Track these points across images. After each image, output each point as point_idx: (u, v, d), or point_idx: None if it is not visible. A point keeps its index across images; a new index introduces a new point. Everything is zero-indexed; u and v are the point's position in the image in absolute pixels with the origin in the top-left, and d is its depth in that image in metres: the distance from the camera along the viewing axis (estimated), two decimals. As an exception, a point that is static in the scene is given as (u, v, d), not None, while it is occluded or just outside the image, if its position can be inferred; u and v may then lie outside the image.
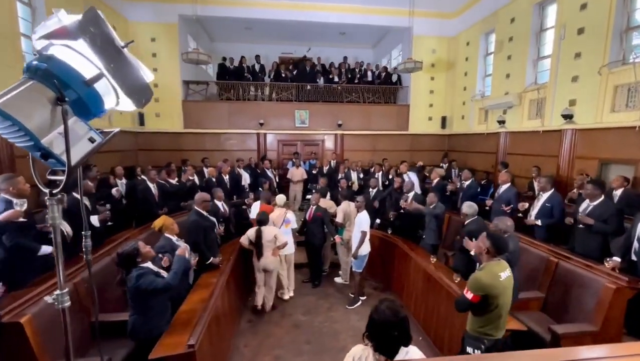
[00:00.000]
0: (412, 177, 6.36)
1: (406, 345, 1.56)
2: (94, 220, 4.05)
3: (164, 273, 2.69)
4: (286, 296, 4.84)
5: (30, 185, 3.61)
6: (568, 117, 5.90)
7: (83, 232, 1.72)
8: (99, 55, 1.54)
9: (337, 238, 5.04)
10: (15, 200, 3.06)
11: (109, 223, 4.48)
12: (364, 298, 4.83)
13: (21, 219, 3.01)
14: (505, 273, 2.29)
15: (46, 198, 1.56)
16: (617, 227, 3.67)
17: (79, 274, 3.05)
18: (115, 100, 1.68)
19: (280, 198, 5.10)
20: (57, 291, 1.63)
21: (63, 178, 1.58)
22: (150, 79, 1.76)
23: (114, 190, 5.08)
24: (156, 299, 2.55)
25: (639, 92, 4.87)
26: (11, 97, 1.38)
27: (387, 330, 1.52)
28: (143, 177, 5.67)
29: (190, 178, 6.16)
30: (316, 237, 5.06)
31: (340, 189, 5.74)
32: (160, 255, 2.96)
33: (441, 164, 8.92)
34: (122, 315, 2.97)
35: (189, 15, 8.92)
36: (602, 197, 3.74)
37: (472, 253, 3.24)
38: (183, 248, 2.86)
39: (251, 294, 4.74)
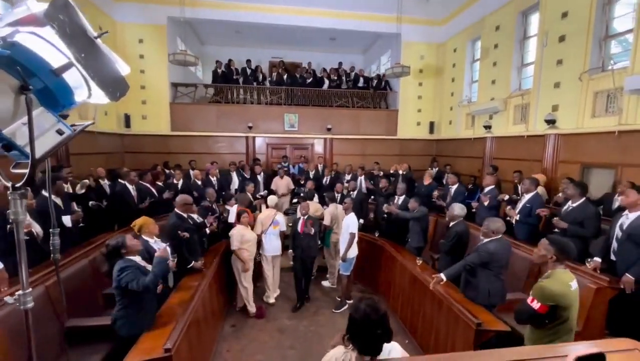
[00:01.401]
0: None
1: (388, 341, 1.53)
2: (67, 220, 3.91)
3: (150, 268, 2.63)
4: (271, 300, 4.76)
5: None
6: (551, 122, 6.03)
7: (51, 230, 1.65)
8: (68, 44, 1.48)
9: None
10: None
11: (81, 225, 4.32)
12: (351, 301, 4.77)
13: None
14: (575, 284, 2.10)
15: (8, 192, 1.49)
16: (594, 230, 3.69)
17: (52, 277, 2.92)
18: (87, 92, 1.62)
19: (272, 199, 5.05)
20: (20, 292, 1.54)
21: (26, 171, 1.51)
22: (126, 72, 1.70)
23: (91, 203, 4.88)
24: (146, 296, 2.49)
25: (618, 98, 5.00)
26: (-30, 84, 1.31)
27: (369, 329, 1.48)
28: (121, 181, 5.45)
29: (175, 182, 6.05)
30: (311, 249, 4.64)
31: (335, 193, 5.65)
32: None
33: (429, 168, 8.99)
34: (97, 320, 2.86)
35: (177, 17, 8.85)
36: (583, 198, 3.79)
37: (444, 279, 3.14)
38: (163, 248, 2.77)
39: (235, 298, 4.65)
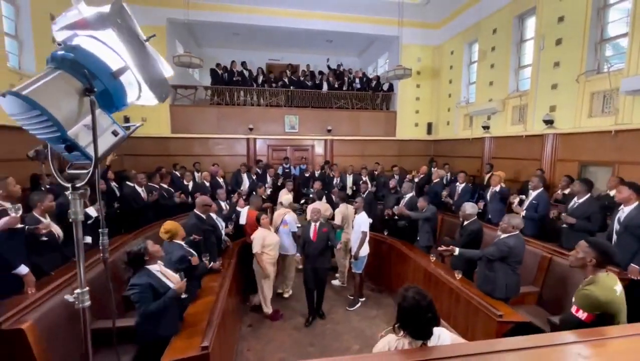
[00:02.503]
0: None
1: (437, 325, 1.62)
2: (91, 210, 3.89)
3: (169, 283, 2.55)
4: (285, 295, 4.92)
5: (23, 188, 3.44)
6: (549, 122, 6.24)
7: (100, 230, 1.68)
8: (125, 46, 1.53)
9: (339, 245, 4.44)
10: (9, 206, 2.89)
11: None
12: (363, 299, 4.86)
13: (18, 225, 2.84)
14: (619, 287, 1.97)
15: (68, 192, 1.52)
16: (600, 223, 3.87)
17: (76, 280, 2.90)
18: (137, 93, 1.67)
19: (286, 198, 5.12)
20: (78, 290, 1.57)
21: (86, 172, 1.55)
22: (170, 73, 1.76)
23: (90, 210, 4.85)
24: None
25: (614, 99, 5.22)
26: (39, 86, 1.35)
27: (420, 314, 1.57)
28: (129, 183, 5.40)
29: (186, 183, 6.06)
30: (324, 259, 4.30)
31: (333, 194, 5.73)
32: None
33: (433, 167, 9.13)
34: (122, 321, 2.86)
35: (177, 19, 8.83)
36: (588, 194, 3.97)
37: (456, 252, 3.39)
38: (182, 283, 2.61)
39: (249, 298, 4.68)
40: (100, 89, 1.45)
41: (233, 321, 3.80)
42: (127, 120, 8.77)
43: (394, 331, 1.66)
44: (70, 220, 1.55)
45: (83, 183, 1.52)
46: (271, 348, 3.72)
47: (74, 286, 2.85)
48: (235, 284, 4.24)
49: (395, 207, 5.29)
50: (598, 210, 3.86)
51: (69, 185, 1.54)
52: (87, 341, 1.63)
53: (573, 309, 1.98)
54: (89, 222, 3.86)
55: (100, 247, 1.70)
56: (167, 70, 1.73)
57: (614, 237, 3.54)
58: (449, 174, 8.00)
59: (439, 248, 3.54)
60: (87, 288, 1.60)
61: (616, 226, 3.52)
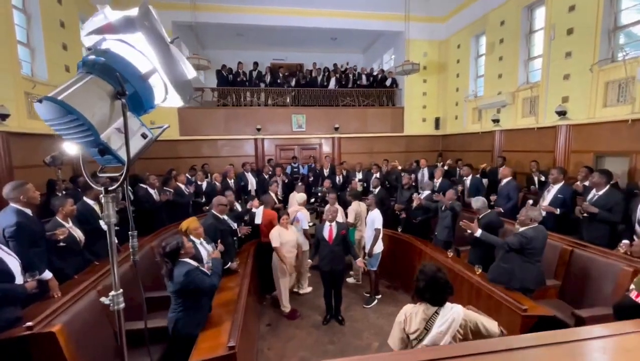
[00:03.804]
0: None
1: (452, 293, 1.89)
2: (102, 224, 3.93)
3: (205, 270, 2.73)
4: (301, 291, 4.97)
5: (40, 193, 3.47)
6: (562, 113, 6.15)
7: (130, 232, 1.70)
8: (153, 49, 1.53)
9: (359, 262, 4.22)
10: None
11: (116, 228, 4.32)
12: (379, 296, 4.84)
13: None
14: None
15: (101, 195, 1.54)
16: (622, 214, 3.76)
17: (101, 281, 2.94)
18: (163, 95, 1.68)
19: (300, 196, 5.13)
20: (112, 292, 1.59)
21: (117, 174, 1.56)
22: (193, 75, 1.77)
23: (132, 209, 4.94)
24: (205, 297, 2.53)
25: (630, 88, 5.13)
26: (74, 91, 1.36)
27: (437, 281, 1.84)
28: (142, 185, 5.44)
29: (199, 182, 6.10)
30: (340, 260, 4.14)
31: (349, 190, 5.73)
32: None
33: (437, 164, 9.08)
34: (151, 322, 2.88)
35: (183, 22, 8.86)
36: (607, 186, 3.90)
37: (478, 234, 3.44)
38: (217, 251, 3.01)
39: (265, 297, 4.70)
40: (131, 91, 1.46)
41: (253, 321, 3.82)
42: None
43: (413, 300, 1.95)
44: (105, 222, 1.57)
45: (116, 186, 1.53)
46: (291, 346, 3.73)
47: (99, 289, 2.90)
48: (253, 284, 4.26)
49: (415, 194, 5.26)
50: (620, 201, 3.78)
51: (101, 188, 1.55)
52: (122, 341, 1.65)
53: (632, 294, 2.01)
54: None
55: (131, 249, 1.72)
56: (190, 72, 1.74)
57: (636, 227, 3.51)
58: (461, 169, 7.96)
59: (461, 223, 3.57)
60: (122, 290, 1.62)
61: (638, 215, 3.49)
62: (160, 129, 1.76)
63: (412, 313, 1.89)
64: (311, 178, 8.33)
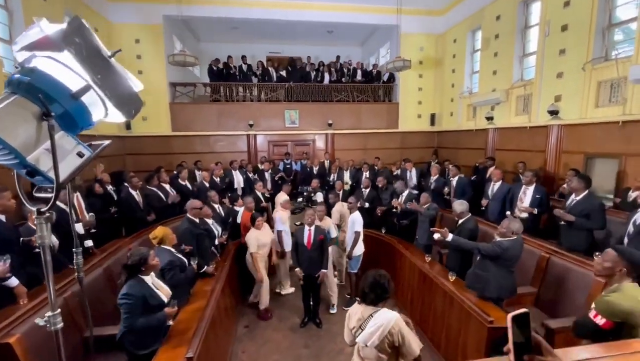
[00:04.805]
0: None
1: (388, 298, 2.10)
2: (79, 227, 3.92)
3: (161, 295, 2.55)
4: (283, 292, 4.98)
5: (14, 197, 3.47)
6: (554, 112, 6.02)
7: (74, 249, 1.66)
8: (85, 66, 1.47)
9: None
10: None
11: (93, 230, 4.34)
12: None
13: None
14: None
15: (34, 217, 1.51)
16: (601, 221, 3.68)
17: (69, 288, 2.96)
18: (104, 112, 1.62)
19: (282, 197, 5.13)
20: (49, 313, 1.57)
21: (51, 195, 1.52)
22: (139, 88, 1.70)
23: (112, 210, 4.99)
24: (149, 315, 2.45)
25: (622, 88, 4.99)
26: (-7, 114, 1.31)
27: (379, 283, 2.07)
28: (126, 184, 5.42)
29: (181, 182, 6.07)
30: (318, 264, 4.07)
31: (334, 191, 5.68)
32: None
33: (430, 161, 8.99)
34: (115, 329, 2.90)
35: (173, 15, 8.73)
36: (586, 191, 3.81)
37: (436, 237, 3.52)
38: (174, 309, 2.62)
39: (247, 297, 4.72)
40: (60, 112, 1.41)
41: (227, 324, 3.83)
42: (128, 127, 8.82)
43: (359, 303, 2.17)
44: (37, 245, 1.54)
45: (47, 208, 1.50)
46: (266, 350, 3.75)
47: (66, 296, 2.92)
48: (231, 285, 4.27)
49: (393, 200, 5.22)
50: (598, 208, 3.70)
51: (34, 208, 1.52)
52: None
53: (591, 314, 1.94)
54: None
55: (75, 267, 1.69)
56: (136, 85, 1.68)
57: (625, 240, 3.39)
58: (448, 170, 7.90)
59: (432, 229, 3.61)
60: (59, 310, 1.60)
61: (630, 228, 3.37)
62: (99, 147, 1.72)
63: (352, 313, 2.17)
64: (302, 177, 8.29)
